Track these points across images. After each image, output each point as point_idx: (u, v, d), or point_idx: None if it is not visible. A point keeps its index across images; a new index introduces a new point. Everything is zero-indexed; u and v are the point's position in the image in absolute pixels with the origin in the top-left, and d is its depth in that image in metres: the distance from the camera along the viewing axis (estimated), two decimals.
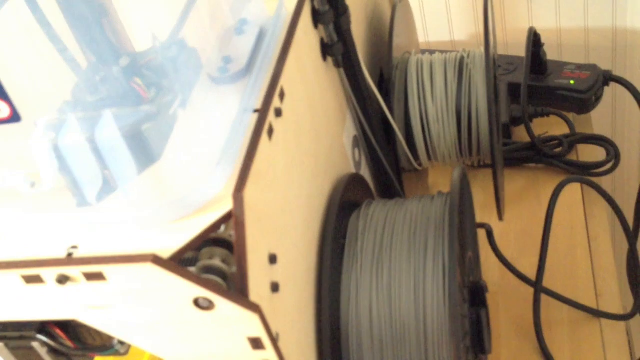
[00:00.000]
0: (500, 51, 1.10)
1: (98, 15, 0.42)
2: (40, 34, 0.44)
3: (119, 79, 0.43)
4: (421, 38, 1.13)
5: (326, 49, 0.58)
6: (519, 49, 0.92)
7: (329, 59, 0.59)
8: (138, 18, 0.46)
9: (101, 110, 0.42)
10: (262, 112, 0.45)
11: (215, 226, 0.40)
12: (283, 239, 0.45)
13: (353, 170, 0.62)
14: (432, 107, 0.69)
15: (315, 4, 0.55)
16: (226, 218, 0.40)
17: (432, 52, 0.75)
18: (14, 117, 0.39)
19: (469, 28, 1.19)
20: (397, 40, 0.71)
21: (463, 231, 0.49)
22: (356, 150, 0.64)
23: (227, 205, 0.40)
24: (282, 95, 0.48)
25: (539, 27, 0.95)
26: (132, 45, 0.45)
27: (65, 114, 0.41)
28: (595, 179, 0.76)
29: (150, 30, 0.46)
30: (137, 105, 0.43)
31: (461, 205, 0.48)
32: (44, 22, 0.43)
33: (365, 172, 0.67)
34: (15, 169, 0.44)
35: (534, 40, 0.88)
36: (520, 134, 0.89)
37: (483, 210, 0.73)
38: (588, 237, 0.77)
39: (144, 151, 0.42)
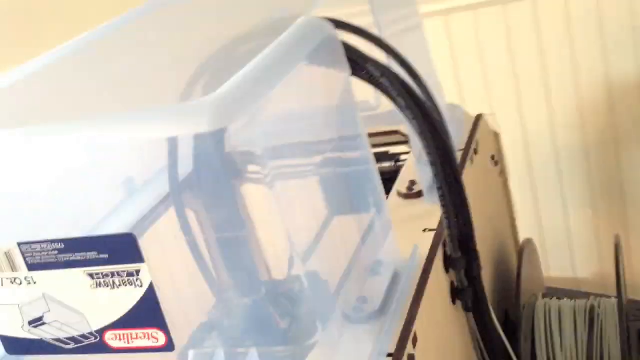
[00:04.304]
0: (628, 294, 1.07)
1: (245, 242, 0.45)
2: (187, 256, 0.47)
3: (256, 306, 0.45)
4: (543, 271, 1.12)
5: (456, 293, 0.59)
6: None
7: (458, 302, 0.59)
8: (276, 246, 0.49)
9: (245, 343, 0.43)
10: (396, 358, 0.45)
11: None
12: None
13: None
14: (561, 356, 0.67)
15: (448, 250, 0.57)
16: None
17: (559, 296, 0.74)
18: (168, 347, 0.41)
19: (592, 266, 1.17)
20: (523, 283, 0.72)
21: None
22: None
23: None
24: (415, 341, 0.48)
25: None
26: (269, 273, 0.47)
27: (214, 347, 0.43)
28: None
29: (285, 259, 0.48)
30: (272, 333, 0.44)
31: None
32: (194, 246, 0.46)
33: None
34: None
35: None
36: None
37: None
38: None
39: None
